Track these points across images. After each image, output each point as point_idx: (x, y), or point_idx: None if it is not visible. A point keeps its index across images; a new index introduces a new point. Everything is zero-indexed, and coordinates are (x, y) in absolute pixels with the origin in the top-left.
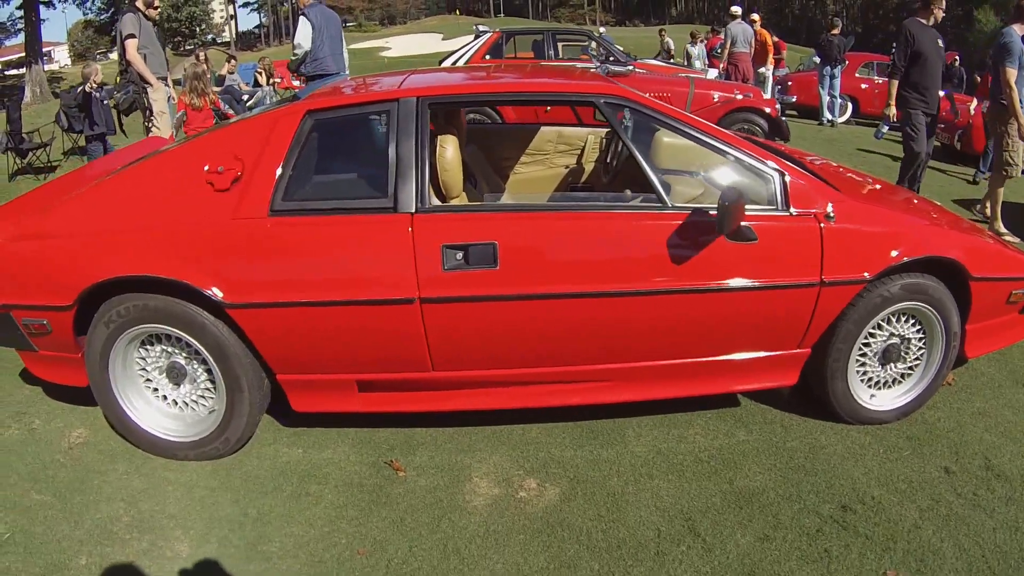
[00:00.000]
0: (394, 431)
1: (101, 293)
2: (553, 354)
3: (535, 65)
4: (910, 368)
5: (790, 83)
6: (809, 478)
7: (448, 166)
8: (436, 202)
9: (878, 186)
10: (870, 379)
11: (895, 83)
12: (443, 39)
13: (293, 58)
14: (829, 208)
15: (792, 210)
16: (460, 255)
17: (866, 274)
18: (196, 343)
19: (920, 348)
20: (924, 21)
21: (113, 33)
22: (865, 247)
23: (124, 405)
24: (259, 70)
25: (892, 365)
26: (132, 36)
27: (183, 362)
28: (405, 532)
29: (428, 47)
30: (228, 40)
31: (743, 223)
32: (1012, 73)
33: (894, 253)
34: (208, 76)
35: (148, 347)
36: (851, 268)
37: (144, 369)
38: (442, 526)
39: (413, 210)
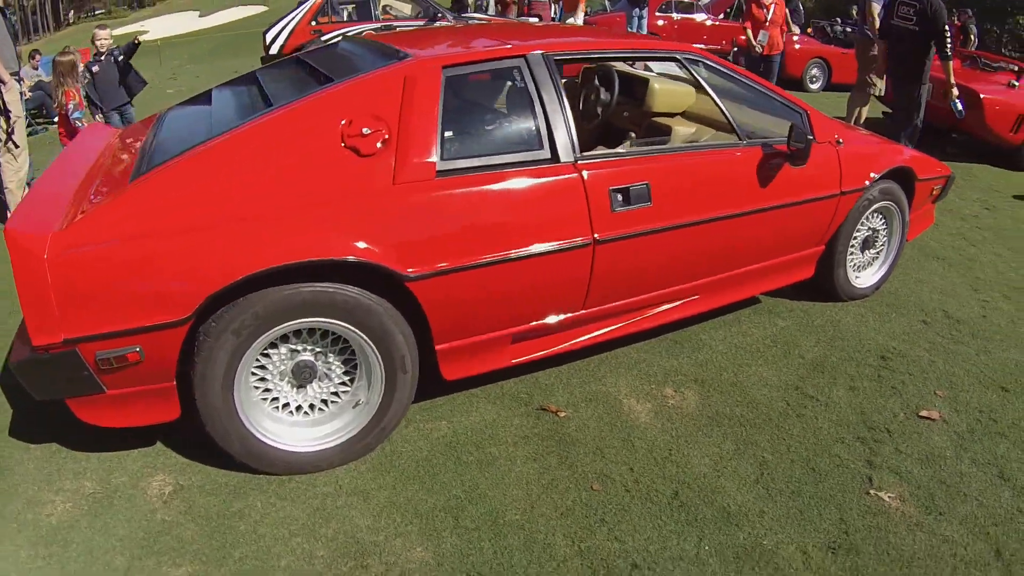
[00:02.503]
0: (516, 381)
1: (223, 298)
2: (673, 277)
3: (591, 28)
4: (877, 253)
5: (595, 25)
6: (846, 343)
7: None
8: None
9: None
10: (854, 264)
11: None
12: (200, 15)
13: None
14: (836, 136)
15: (817, 139)
16: (621, 196)
17: (866, 183)
18: (354, 330)
19: (884, 236)
20: None
21: None
22: (861, 164)
23: (250, 426)
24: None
25: (868, 251)
26: None
27: (311, 358)
28: (611, 457)
29: (189, 25)
30: None
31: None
32: (876, 8)
33: (878, 166)
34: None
35: (268, 352)
36: (856, 180)
37: (263, 379)
38: (636, 443)
39: (573, 159)
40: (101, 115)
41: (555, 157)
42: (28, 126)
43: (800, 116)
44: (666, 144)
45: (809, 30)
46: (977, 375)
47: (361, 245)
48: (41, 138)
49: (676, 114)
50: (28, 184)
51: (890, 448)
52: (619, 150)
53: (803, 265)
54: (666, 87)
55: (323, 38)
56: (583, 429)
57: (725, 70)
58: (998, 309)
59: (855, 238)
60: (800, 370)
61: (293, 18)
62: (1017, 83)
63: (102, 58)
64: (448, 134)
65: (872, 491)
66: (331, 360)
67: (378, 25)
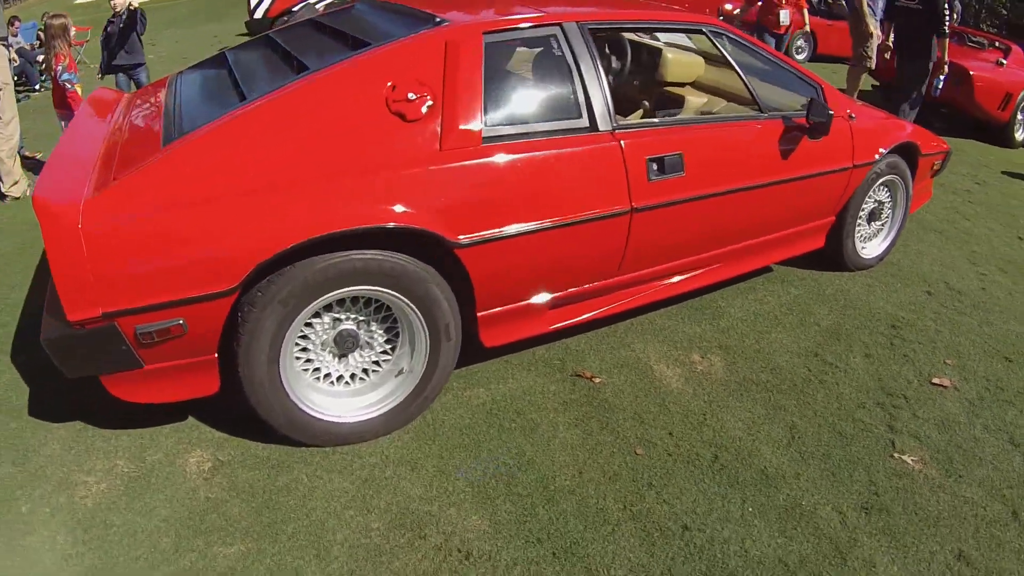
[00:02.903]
0: (547, 348)
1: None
2: (700, 245)
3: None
4: (882, 225)
5: None
6: (857, 311)
7: None
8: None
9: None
10: (861, 236)
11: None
12: None
13: None
14: (848, 110)
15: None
16: (656, 166)
17: (876, 156)
18: (401, 298)
19: (889, 209)
20: None
21: None
22: (871, 138)
23: (295, 398)
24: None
25: (873, 223)
26: None
27: (354, 327)
28: (649, 422)
29: None
30: None
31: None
32: None
33: (887, 141)
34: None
35: (311, 321)
36: (867, 154)
37: (304, 349)
38: (671, 408)
39: (611, 128)
40: (100, 75)
41: (593, 126)
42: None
43: (816, 90)
44: (686, 114)
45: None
46: (982, 345)
47: (412, 212)
48: (24, 106)
49: (686, 84)
50: (20, 153)
51: (908, 414)
52: (653, 120)
53: (816, 235)
54: (678, 57)
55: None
56: (619, 395)
57: (746, 43)
58: (996, 282)
59: (863, 210)
60: (817, 337)
61: None
62: (1004, 61)
63: (115, 19)
64: (491, 99)
65: (896, 454)
66: (373, 329)
67: None
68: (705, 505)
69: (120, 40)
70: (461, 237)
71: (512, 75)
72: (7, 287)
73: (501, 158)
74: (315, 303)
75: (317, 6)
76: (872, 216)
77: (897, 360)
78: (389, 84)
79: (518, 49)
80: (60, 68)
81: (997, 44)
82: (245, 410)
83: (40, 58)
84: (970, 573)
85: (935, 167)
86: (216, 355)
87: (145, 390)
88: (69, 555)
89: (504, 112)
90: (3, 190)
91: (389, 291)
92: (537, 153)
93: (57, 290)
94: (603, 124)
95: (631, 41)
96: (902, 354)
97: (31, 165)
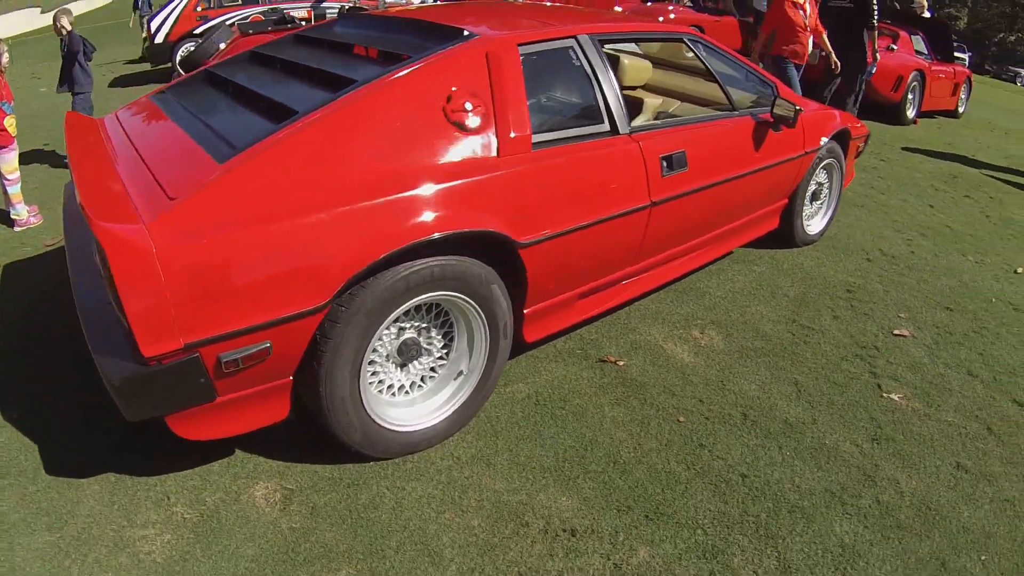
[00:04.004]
0: (565, 340)
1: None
2: (695, 232)
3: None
4: (821, 204)
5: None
6: (815, 281)
7: None
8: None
9: None
10: (806, 215)
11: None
12: (42, 12)
13: None
14: (798, 105)
15: None
16: (667, 163)
17: (821, 142)
18: (468, 300)
19: (827, 189)
20: None
21: None
22: (816, 127)
23: (372, 413)
24: None
25: (815, 203)
26: None
27: (415, 335)
28: (679, 393)
29: (33, 23)
30: None
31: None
32: None
33: (828, 129)
34: None
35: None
36: (814, 141)
37: (371, 362)
38: (692, 379)
39: (628, 131)
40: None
41: (614, 129)
42: None
43: (772, 88)
44: (646, 115)
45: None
46: (924, 299)
47: (485, 217)
48: None
49: (637, 87)
50: None
51: (883, 361)
52: (657, 122)
53: (773, 217)
54: (633, 62)
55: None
56: (644, 373)
57: (715, 48)
58: (921, 245)
59: (808, 192)
60: (789, 306)
61: (178, 5)
62: (895, 47)
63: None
64: (533, 107)
65: (884, 395)
66: (432, 335)
67: (265, 8)
68: (751, 455)
69: (65, 64)
70: (524, 238)
71: (542, 85)
72: None
73: (550, 162)
74: (394, 313)
75: (230, 25)
76: (814, 196)
77: (860, 319)
78: (446, 95)
79: (548, 60)
80: None
81: (886, 31)
82: (294, 434)
83: None
84: (969, 478)
85: (859, 149)
86: (292, 378)
87: (215, 424)
88: None
89: (543, 119)
90: None
91: (458, 294)
92: (577, 156)
93: (130, 323)
94: (622, 127)
95: None
96: (862, 313)
97: None
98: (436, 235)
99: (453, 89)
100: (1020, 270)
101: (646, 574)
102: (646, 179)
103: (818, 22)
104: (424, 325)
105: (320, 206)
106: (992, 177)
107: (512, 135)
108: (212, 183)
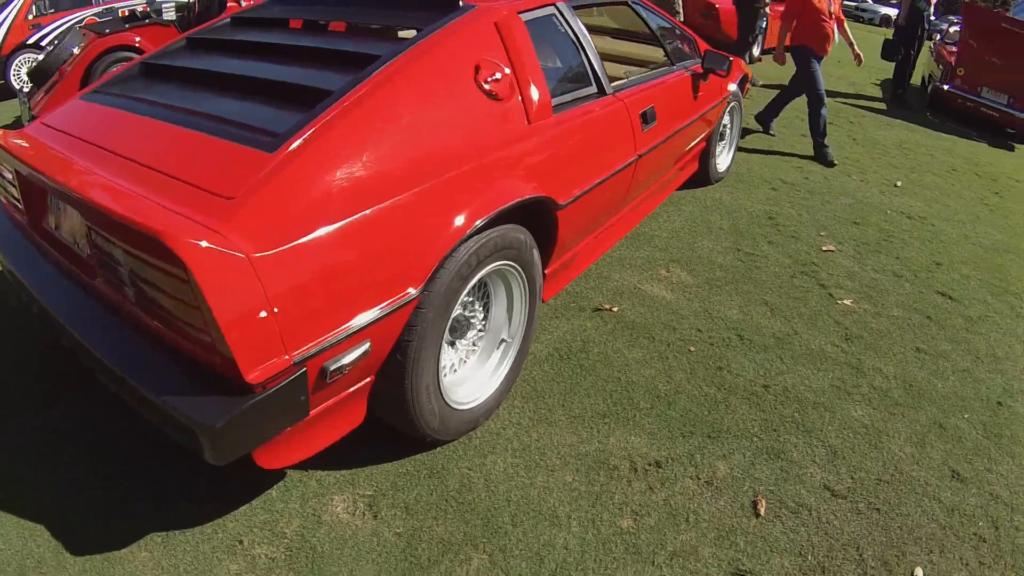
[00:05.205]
0: (554, 299)
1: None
2: (656, 178)
3: None
4: (726, 143)
5: None
6: (740, 214)
7: None
8: None
9: None
10: (716, 154)
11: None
12: None
13: None
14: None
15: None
16: (643, 118)
17: (731, 88)
18: (516, 267)
19: (730, 128)
20: None
21: None
22: (732, 76)
23: (447, 397)
24: None
25: (722, 142)
26: None
27: (462, 310)
28: (676, 326)
29: None
30: None
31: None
32: None
33: (735, 76)
34: None
35: None
36: (726, 88)
37: None
38: (681, 312)
39: (611, 92)
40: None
41: (602, 91)
42: None
43: (694, 42)
44: (643, 73)
45: None
46: (833, 217)
47: (535, 183)
48: None
49: None
50: None
51: (824, 273)
52: (625, 81)
53: (696, 159)
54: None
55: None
56: (640, 315)
57: (652, 11)
58: (811, 171)
59: (718, 133)
60: (729, 238)
61: (7, 17)
62: None
63: None
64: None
65: (838, 301)
66: (476, 308)
67: (99, 9)
68: (762, 369)
69: None
70: (562, 199)
71: (540, 51)
72: None
73: (569, 125)
74: (466, 289)
75: (79, 27)
76: (721, 136)
77: (790, 241)
78: (475, 66)
79: (538, 27)
80: None
81: None
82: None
83: None
84: (929, 358)
85: (746, 90)
86: (374, 376)
87: (301, 445)
88: None
89: (553, 84)
90: None
91: (510, 262)
92: (587, 117)
93: (231, 347)
94: (608, 88)
95: None
96: (790, 235)
97: None
98: (513, 203)
99: (479, 60)
100: (899, 183)
101: (735, 483)
102: (633, 134)
103: (840, 9)
104: (469, 299)
105: (402, 185)
106: (845, 104)
107: (536, 101)
108: (276, 175)
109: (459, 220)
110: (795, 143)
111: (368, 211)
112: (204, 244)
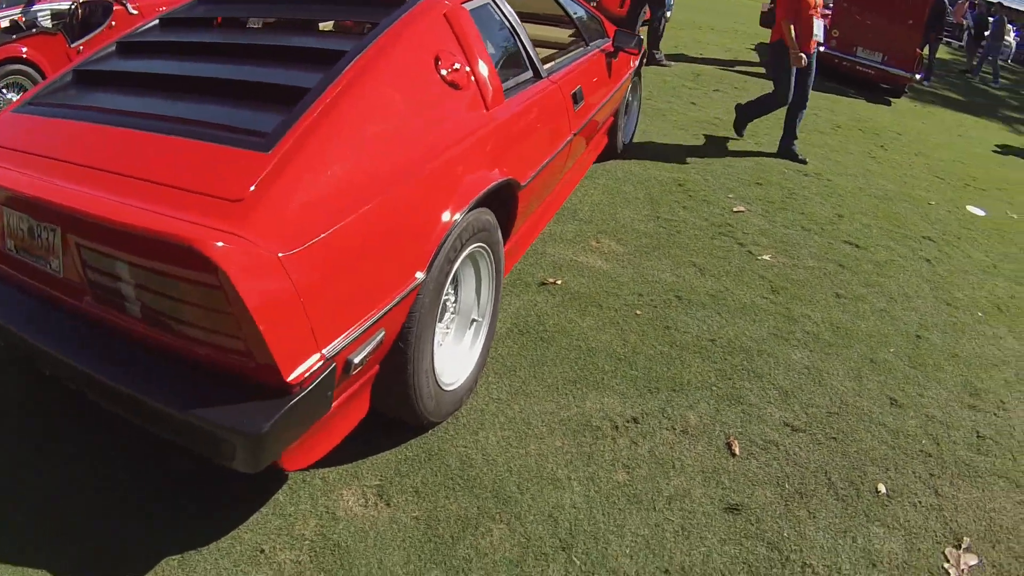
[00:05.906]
0: None
1: None
2: (582, 156)
3: None
4: (628, 116)
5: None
6: (650, 182)
7: None
8: None
9: None
10: (621, 126)
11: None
12: None
13: None
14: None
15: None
16: (573, 99)
17: (633, 64)
18: (486, 248)
19: (632, 101)
20: None
21: None
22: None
23: (439, 378)
24: None
25: (626, 116)
26: None
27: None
28: (620, 292)
29: None
30: None
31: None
32: None
33: (638, 53)
34: None
35: None
36: (630, 64)
37: None
38: (619, 279)
39: (545, 76)
40: None
41: (537, 75)
42: None
43: (600, 23)
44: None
45: None
46: (737, 179)
47: (503, 167)
48: None
49: None
50: None
51: (740, 232)
52: (553, 64)
53: (606, 134)
54: None
55: None
56: (582, 285)
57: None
58: (713, 136)
59: (623, 106)
60: (646, 206)
61: None
62: None
63: None
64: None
65: (758, 257)
66: (449, 291)
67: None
68: (706, 324)
69: None
70: (523, 180)
71: (483, 40)
72: None
73: (519, 108)
74: (451, 274)
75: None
76: (626, 110)
77: (702, 205)
78: (434, 57)
79: (476, 16)
80: None
81: None
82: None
83: None
84: (848, 302)
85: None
86: (378, 366)
87: (319, 442)
88: None
89: (500, 70)
90: None
91: (482, 244)
92: (532, 101)
93: (270, 348)
94: (542, 74)
95: None
96: (701, 200)
97: None
98: (490, 187)
99: (437, 51)
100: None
101: (706, 429)
102: (567, 114)
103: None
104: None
105: (401, 175)
106: (726, 70)
107: (490, 88)
108: (281, 174)
109: (451, 205)
110: (686, 110)
111: (374, 201)
112: (234, 248)
